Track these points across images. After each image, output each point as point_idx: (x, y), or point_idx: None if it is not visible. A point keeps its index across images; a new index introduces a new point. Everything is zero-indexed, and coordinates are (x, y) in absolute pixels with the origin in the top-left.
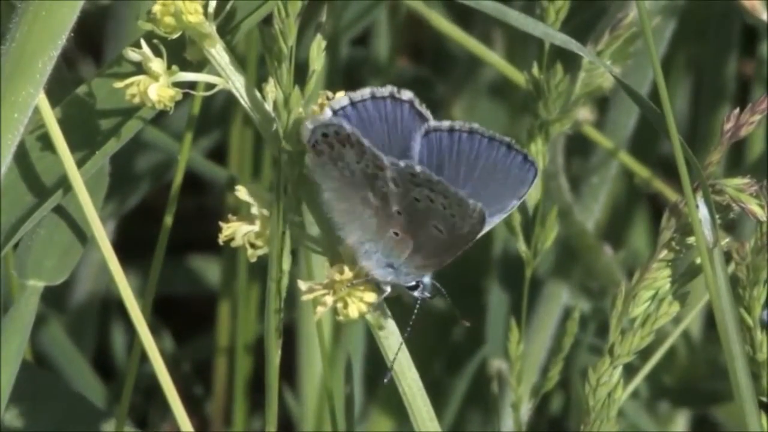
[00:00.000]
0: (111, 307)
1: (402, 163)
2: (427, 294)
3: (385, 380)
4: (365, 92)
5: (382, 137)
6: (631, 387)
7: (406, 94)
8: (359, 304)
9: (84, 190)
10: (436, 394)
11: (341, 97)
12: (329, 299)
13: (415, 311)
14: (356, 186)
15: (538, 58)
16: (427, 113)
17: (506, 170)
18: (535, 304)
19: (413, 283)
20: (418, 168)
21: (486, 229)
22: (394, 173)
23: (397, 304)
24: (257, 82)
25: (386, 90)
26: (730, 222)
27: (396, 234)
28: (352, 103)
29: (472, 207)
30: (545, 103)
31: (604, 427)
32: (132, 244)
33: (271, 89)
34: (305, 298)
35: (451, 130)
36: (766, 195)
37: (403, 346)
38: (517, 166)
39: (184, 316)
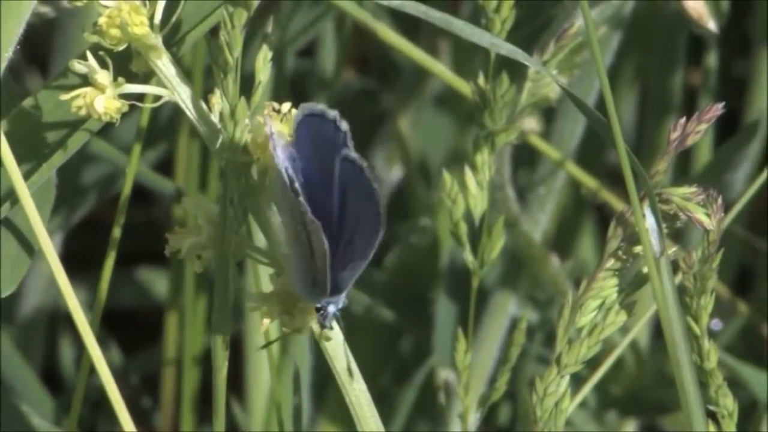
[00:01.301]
0: (59, 319)
1: (289, 163)
2: (327, 323)
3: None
4: (324, 107)
5: (324, 154)
6: (578, 397)
7: (344, 125)
8: (305, 315)
9: (31, 202)
10: (384, 404)
11: (316, 104)
12: (276, 310)
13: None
14: (287, 197)
15: (484, 68)
16: (351, 144)
17: (370, 219)
18: (482, 314)
19: (318, 305)
20: (290, 171)
21: (353, 278)
22: (295, 183)
23: (342, 315)
24: (203, 93)
25: (334, 113)
26: (677, 231)
27: (310, 251)
28: (323, 112)
29: (314, 222)
30: (491, 113)
31: None
32: (80, 257)
33: (218, 100)
34: (252, 309)
35: (353, 161)
36: (713, 204)
37: (351, 357)
38: (375, 218)
39: (132, 328)
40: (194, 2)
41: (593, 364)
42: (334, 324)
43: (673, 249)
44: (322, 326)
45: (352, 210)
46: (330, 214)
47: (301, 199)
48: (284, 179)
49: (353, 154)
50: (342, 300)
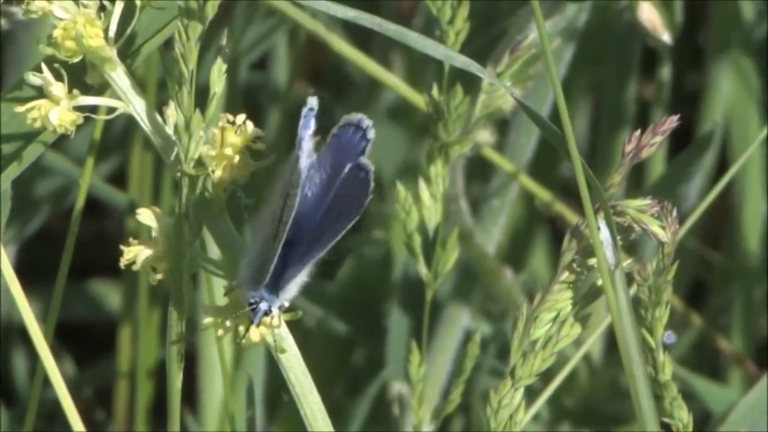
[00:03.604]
0: (12, 331)
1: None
2: (255, 319)
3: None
4: (363, 116)
5: (341, 159)
6: (532, 409)
7: (371, 134)
8: (260, 327)
9: None
10: (337, 416)
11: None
12: (230, 323)
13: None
14: (286, 174)
15: (438, 80)
16: (368, 151)
17: (347, 218)
18: (435, 326)
19: (252, 300)
20: (305, 142)
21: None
22: (302, 156)
23: (297, 328)
24: (157, 105)
25: (368, 122)
26: (631, 243)
27: (274, 232)
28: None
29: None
30: (445, 125)
31: None
32: (33, 269)
33: (172, 112)
34: (206, 321)
35: (362, 166)
36: (668, 216)
37: (306, 369)
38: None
39: (86, 341)
40: (149, 15)
41: (547, 376)
42: (289, 335)
43: (628, 261)
44: (250, 321)
45: (336, 208)
46: (315, 212)
47: (300, 165)
48: (296, 151)
49: (364, 160)
50: (276, 304)
